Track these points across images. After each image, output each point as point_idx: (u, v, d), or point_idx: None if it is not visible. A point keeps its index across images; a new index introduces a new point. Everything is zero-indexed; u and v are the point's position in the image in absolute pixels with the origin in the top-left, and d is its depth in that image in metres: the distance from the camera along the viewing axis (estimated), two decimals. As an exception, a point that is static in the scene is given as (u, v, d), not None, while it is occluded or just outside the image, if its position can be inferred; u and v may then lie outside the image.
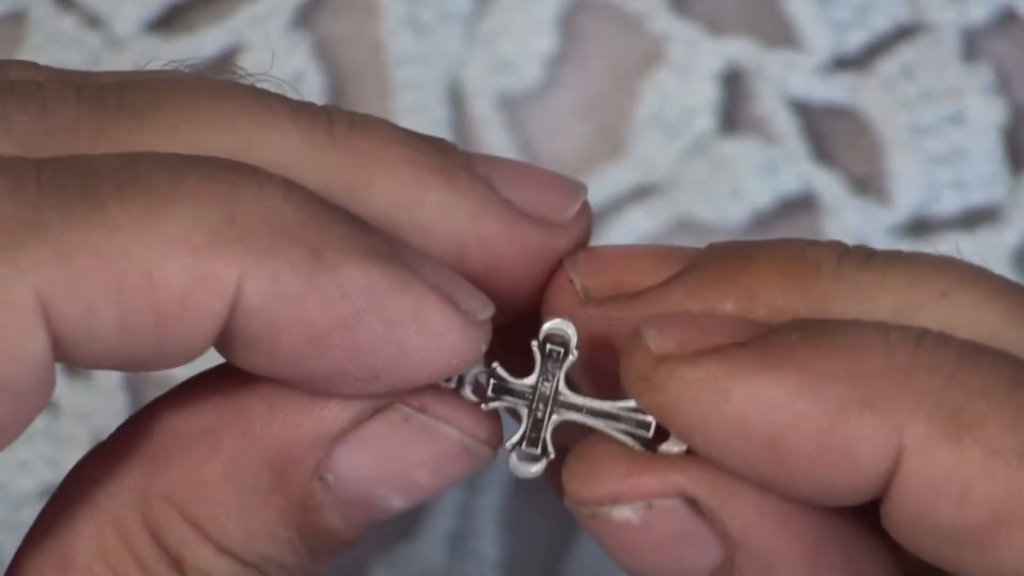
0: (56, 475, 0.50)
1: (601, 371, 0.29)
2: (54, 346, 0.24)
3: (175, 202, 0.24)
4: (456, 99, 0.51)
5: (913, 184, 0.50)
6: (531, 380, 0.28)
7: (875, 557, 0.27)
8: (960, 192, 0.50)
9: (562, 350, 0.28)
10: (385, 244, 0.26)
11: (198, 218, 0.24)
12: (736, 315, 0.27)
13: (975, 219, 0.50)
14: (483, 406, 0.28)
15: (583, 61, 0.51)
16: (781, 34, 0.51)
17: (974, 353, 0.25)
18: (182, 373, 0.27)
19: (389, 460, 0.27)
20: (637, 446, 0.28)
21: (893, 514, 0.26)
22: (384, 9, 0.52)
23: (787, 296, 0.27)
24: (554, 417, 0.28)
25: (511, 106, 0.51)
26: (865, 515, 0.27)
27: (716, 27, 0.51)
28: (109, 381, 0.50)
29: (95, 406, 0.50)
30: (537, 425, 0.28)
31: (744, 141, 0.51)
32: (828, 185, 0.50)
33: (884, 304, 0.27)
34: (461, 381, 0.28)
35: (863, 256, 0.27)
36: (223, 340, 0.26)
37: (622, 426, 0.28)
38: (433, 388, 0.27)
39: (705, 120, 0.51)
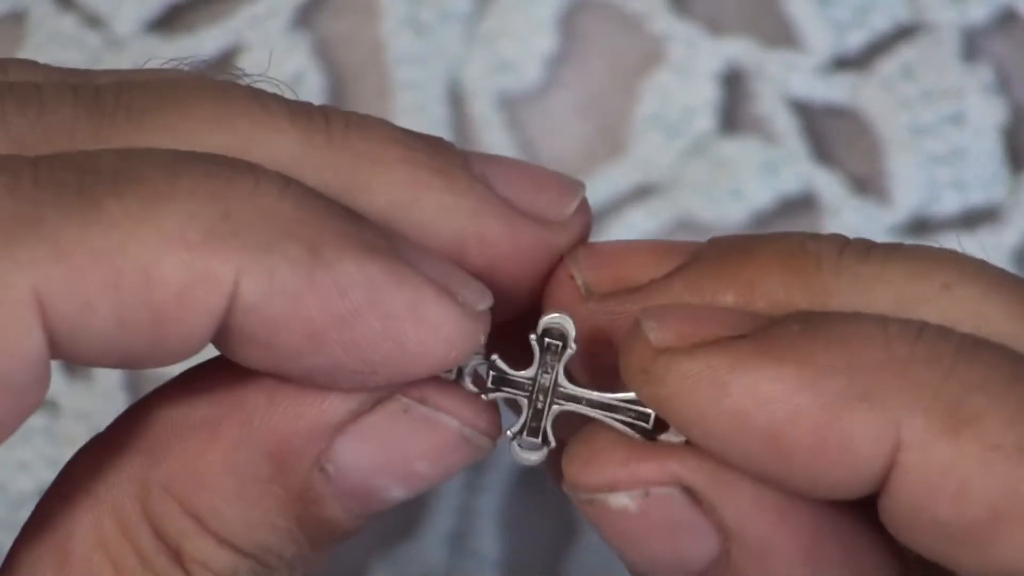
0: (55, 475, 0.49)
1: (603, 365, 0.29)
2: (50, 343, 0.24)
3: (171, 199, 0.24)
4: (456, 99, 0.51)
5: (913, 184, 0.50)
6: (530, 372, 0.28)
7: (874, 552, 0.27)
8: (960, 192, 0.50)
9: (560, 344, 0.28)
10: (381, 238, 0.26)
11: (194, 214, 0.24)
12: (736, 307, 0.27)
13: (975, 219, 0.50)
14: (483, 396, 0.28)
15: (583, 61, 0.51)
16: (781, 34, 0.51)
17: (973, 347, 0.25)
18: (180, 365, 0.27)
19: (389, 450, 0.27)
20: (637, 436, 0.28)
21: (890, 509, 0.26)
22: (384, 9, 0.52)
23: (787, 289, 0.27)
24: (554, 407, 0.28)
25: (511, 106, 0.51)
26: (864, 510, 0.27)
27: (716, 27, 0.51)
28: (109, 381, 0.50)
29: (95, 406, 0.50)
30: (537, 415, 0.28)
31: (744, 141, 0.51)
32: (828, 185, 0.50)
33: (884, 297, 0.27)
34: (461, 372, 0.28)
35: (864, 249, 0.27)
36: (221, 337, 0.26)
37: (622, 417, 0.28)
38: (433, 379, 0.27)
39: (705, 120, 0.51)
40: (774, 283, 0.27)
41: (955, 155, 0.50)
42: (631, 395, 0.28)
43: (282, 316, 0.25)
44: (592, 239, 0.30)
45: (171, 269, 0.24)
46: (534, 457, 0.29)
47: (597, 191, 0.50)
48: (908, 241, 0.50)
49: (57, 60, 0.51)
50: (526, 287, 0.29)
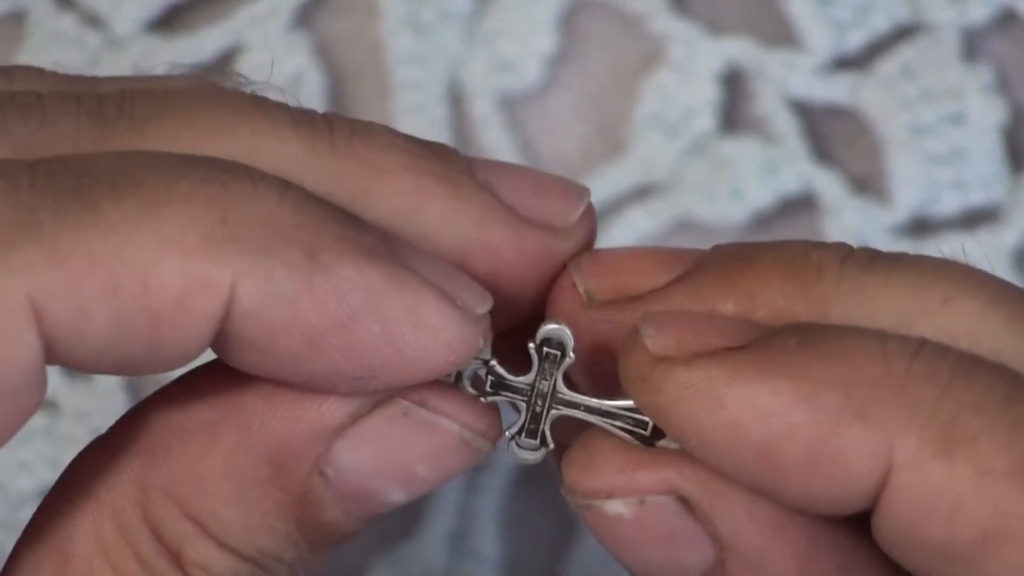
0: (56, 475, 0.49)
1: (604, 373, 0.29)
2: (47, 348, 0.24)
3: (169, 203, 0.24)
4: (456, 99, 0.51)
5: (913, 184, 0.50)
6: (528, 378, 0.28)
7: (869, 568, 0.27)
8: (960, 192, 0.50)
9: (559, 353, 0.28)
10: (380, 242, 0.26)
11: (192, 219, 0.24)
12: (736, 316, 0.27)
13: (975, 219, 0.50)
14: (482, 399, 0.28)
15: (583, 61, 0.51)
16: (781, 34, 0.51)
17: (970, 366, 0.25)
18: (180, 368, 0.27)
19: (389, 454, 0.27)
20: (635, 443, 0.28)
21: (882, 527, 0.25)
22: (384, 9, 0.52)
23: (788, 298, 0.27)
24: (552, 412, 0.28)
25: (511, 106, 0.51)
26: (860, 525, 0.27)
27: (716, 27, 0.51)
28: (109, 381, 0.50)
29: (95, 406, 0.50)
30: (536, 418, 0.28)
31: (744, 141, 0.51)
32: (828, 185, 0.50)
33: (885, 308, 0.27)
34: (460, 376, 0.28)
35: (866, 259, 0.27)
36: (219, 342, 0.25)
37: (620, 423, 0.28)
38: (432, 382, 0.27)
39: (705, 120, 0.51)
40: (774, 292, 0.27)
41: (955, 155, 0.50)
42: (628, 402, 0.28)
43: (280, 321, 0.25)
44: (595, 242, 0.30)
45: (169, 274, 0.24)
46: (532, 457, 0.29)
47: (597, 191, 0.50)
48: (908, 241, 0.50)
49: (57, 60, 0.51)
50: (531, 294, 0.29)
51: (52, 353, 0.24)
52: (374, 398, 0.27)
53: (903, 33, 0.51)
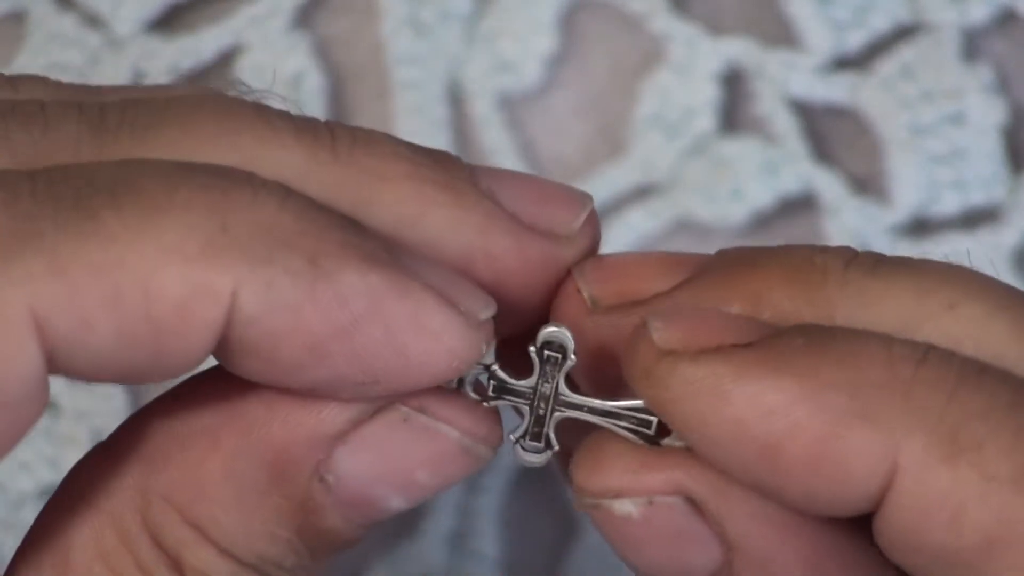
0: (56, 475, 0.50)
1: (608, 377, 0.29)
2: (48, 359, 0.24)
3: (169, 211, 0.24)
4: (456, 99, 0.51)
5: (913, 184, 0.50)
6: (530, 382, 0.28)
7: (875, 572, 0.27)
8: (960, 192, 0.50)
9: (560, 355, 0.28)
10: (382, 248, 0.26)
11: (192, 227, 0.24)
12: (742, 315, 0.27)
13: (975, 219, 0.50)
14: (485, 404, 0.28)
15: (583, 61, 0.51)
16: (781, 34, 0.51)
17: (976, 373, 0.25)
18: (181, 374, 0.27)
19: (389, 460, 0.27)
20: (640, 442, 0.28)
21: (884, 530, 0.26)
22: (384, 9, 0.52)
23: (792, 301, 0.27)
24: (556, 414, 0.28)
25: (511, 106, 0.51)
26: (867, 530, 0.27)
27: (716, 27, 0.51)
28: (109, 381, 0.50)
29: (95, 406, 0.50)
30: (539, 421, 0.29)
31: (744, 141, 0.51)
32: (828, 185, 0.50)
33: (889, 313, 0.27)
34: (462, 382, 0.28)
35: (871, 263, 0.27)
36: (221, 349, 0.25)
37: (623, 423, 0.28)
38: (434, 388, 0.27)
39: (705, 120, 0.51)
40: (779, 295, 0.27)
41: (955, 155, 0.50)
42: (632, 403, 0.28)
43: (283, 328, 0.25)
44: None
45: (170, 282, 0.24)
46: (537, 460, 0.29)
47: (597, 191, 0.50)
48: (908, 241, 0.50)
49: (57, 60, 0.51)
50: (534, 301, 0.29)
51: (53, 364, 0.24)
52: (374, 404, 0.27)
53: (903, 33, 0.51)
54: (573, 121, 0.51)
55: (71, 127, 0.26)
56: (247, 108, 0.27)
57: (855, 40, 0.51)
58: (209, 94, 0.28)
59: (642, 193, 0.50)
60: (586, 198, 0.30)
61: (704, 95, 0.51)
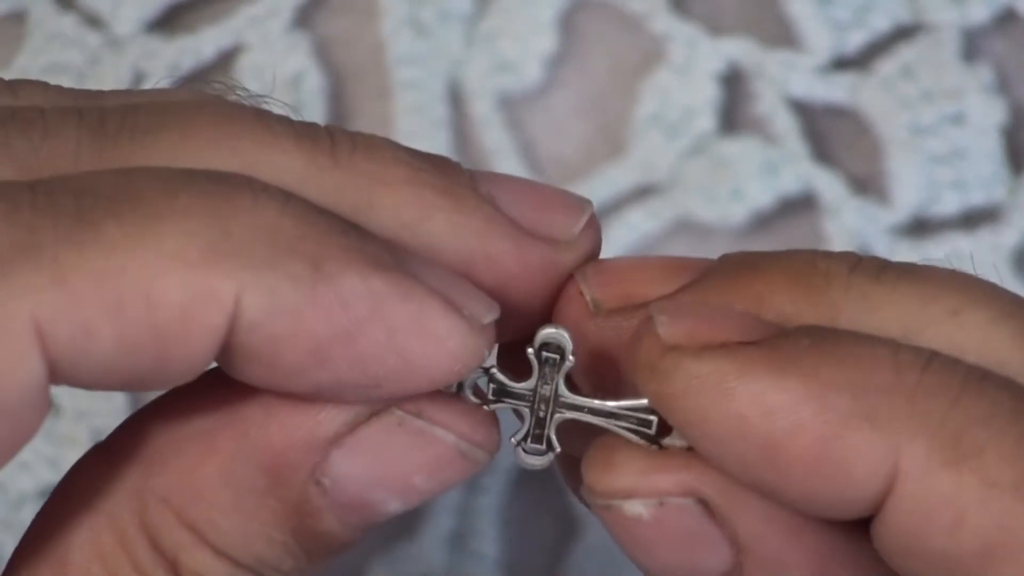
0: (56, 475, 0.50)
1: (610, 383, 0.29)
2: (50, 369, 0.24)
3: (169, 218, 0.24)
4: (456, 99, 0.51)
5: (913, 184, 0.50)
6: (530, 384, 0.28)
7: None
8: (960, 192, 0.50)
9: (558, 356, 0.28)
10: (385, 252, 0.26)
11: (193, 233, 0.24)
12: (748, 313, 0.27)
13: (975, 219, 0.50)
14: (485, 407, 0.28)
15: (583, 61, 0.51)
16: (781, 34, 0.51)
17: (979, 380, 0.25)
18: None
19: (385, 464, 0.27)
20: (640, 442, 0.28)
21: (884, 534, 0.26)
22: (384, 9, 0.52)
23: (795, 305, 0.27)
24: (556, 415, 0.28)
25: (511, 106, 0.51)
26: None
27: (716, 27, 0.51)
28: (109, 381, 0.50)
29: (95, 406, 0.50)
30: (540, 423, 0.29)
31: (744, 141, 0.51)
32: (828, 185, 0.50)
33: (892, 319, 0.27)
34: (461, 386, 0.28)
35: (875, 268, 0.27)
36: (224, 355, 0.25)
37: (624, 423, 0.28)
38: (432, 392, 0.27)
39: (705, 120, 0.51)
40: (782, 299, 0.27)
41: (955, 155, 0.50)
42: (633, 403, 0.28)
43: (285, 332, 0.25)
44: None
45: (171, 289, 0.24)
46: (539, 462, 0.29)
47: (597, 191, 0.50)
48: (908, 241, 0.50)
49: (57, 60, 0.52)
50: (535, 305, 0.29)
51: (56, 373, 0.24)
52: (370, 408, 0.27)
53: (903, 33, 0.51)
54: (573, 121, 0.51)
55: (71, 133, 0.26)
56: (247, 113, 0.27)
57: (855, 40, 0.51)
58: (209, 99, 0.28)
59: (642, 193, 0.50)
60: (586, 203, 0.30)
61: (704, 95, 0.51)
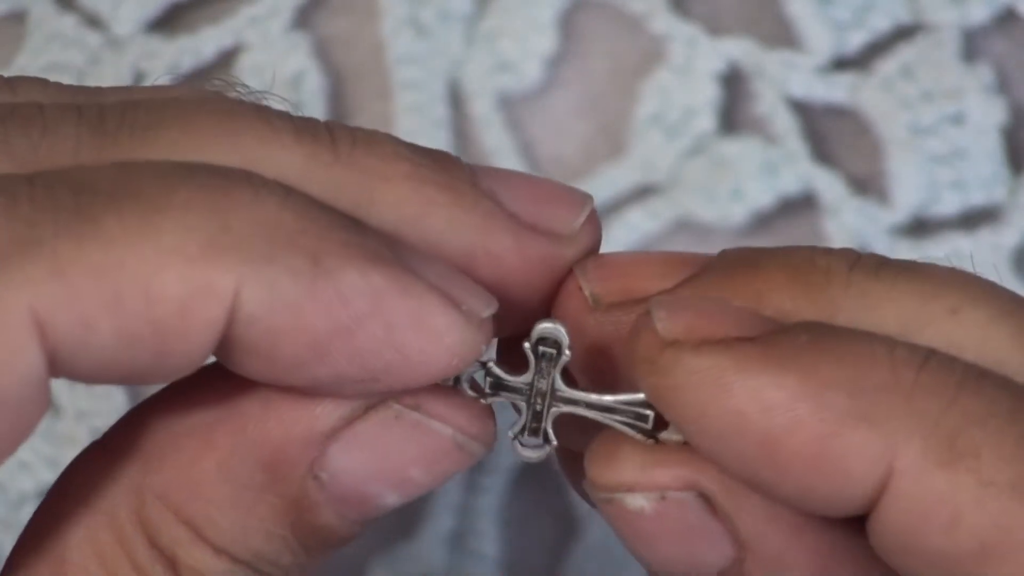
0: (55, 475, 0.49)
1: (608, 375, 0.29)
2: (50, 363, 0.24)
3: (169, 212, 0.24)
4: (456, 99, 0.51)
5: (913, 184, 0.50)
6: (527, 378, 0.28)
7: None
8: (960, 192, 0.50)
9: (555, 351, 0.28)
10: (384, 246, 0.26)
11: (192, 227, 0.24)
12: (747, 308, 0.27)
13: (975, 219, 0.50)
14: (482, 401, 0.28)
15: (583, 61, 0.51)
16: (781, 34, 0.51)
17: (977, 379, 0.25)
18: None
19: (382, 457, 0.27)
20: (637, 436, 0.28)
21: (879, 532, 0.26)
22: (384, 9, 0.52)
23: (794, 301, 0.27)
24: (553, 409, 0.28)
25: (511, 106, 0.51)
26: None
27: (716, 27, 0.51)
28: (109, 381, 0.50)
29: (95, 406, 0.50)
30: (537, 417, 0.29)
31: (744, 141, 0.51)
32: (828, 185, 0.50)
33: (891, 316, 0.27)
34: (458, 379, 0.28)
35: (874, 266, 0.27)
36: (223, 349, 0.25)
37: (620, 417, 0.28)
38: (429, 385, 0.27)
39: (705, 120, 0.51)
40: (781, 295, 0.27)
41: (955, 155, 0.50)
42: (630, 397, 0.28)
43: (284, 326, 0.25)
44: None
45: (171, 283, 0.24)
46: (535, 455, 0.29)
47: (597, 191, 0.50)
48: (908, 241, 0.50)
49: (57, 60, 0.52)
50: (535, 300, 0.29)
51: (55, 366, 0.24)
52: (367, 402, 0.27)
53: (903, 33, 0.51)
54: (573, 121, 0.51)
55: (70, 130, 0.26)
56: (247, 109, 0.27)
57: (855, 40, 0.51)
58: (209, 95, 0.28)
59: (642, 193, 0.50)
60: (586, 198, 0.30)
61: (704, 95, 0.51)
